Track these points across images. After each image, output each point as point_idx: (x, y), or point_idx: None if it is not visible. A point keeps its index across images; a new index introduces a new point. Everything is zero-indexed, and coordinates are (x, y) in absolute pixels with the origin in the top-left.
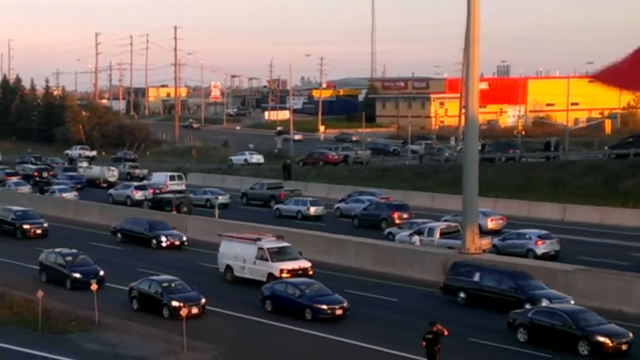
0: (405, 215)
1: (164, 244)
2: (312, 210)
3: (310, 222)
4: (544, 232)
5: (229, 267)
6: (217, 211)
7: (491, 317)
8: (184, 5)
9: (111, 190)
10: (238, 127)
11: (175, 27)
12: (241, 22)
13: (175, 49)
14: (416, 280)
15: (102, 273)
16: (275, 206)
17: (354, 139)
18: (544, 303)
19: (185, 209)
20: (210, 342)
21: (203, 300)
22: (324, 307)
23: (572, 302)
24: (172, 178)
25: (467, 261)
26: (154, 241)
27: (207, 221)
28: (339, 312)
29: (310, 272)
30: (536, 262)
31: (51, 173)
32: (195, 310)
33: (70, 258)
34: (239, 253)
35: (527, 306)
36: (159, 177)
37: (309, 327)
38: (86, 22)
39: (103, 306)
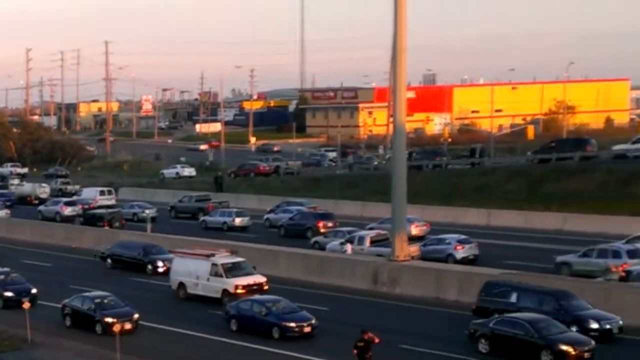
0: (330, 224)
1: (160, 269)
2: (238, 221)
3: (236, 232)
4: (463, 237)
5: (182, 284)
6: (149, 225)
7: None
8: (115, 19)
9: (41, 207)
10: (170, 141)
11: (107, 42)
12: (172, 35)
13: (107, 64)
14: (347, 289)
15: (34, 291)
16: (202, 218)
17: (275, 149)
18: (594, 325)
19: (117, 224)
20: (144, 357)
21: (136, 316)
22: (292, 324)
23: (621, 322)
24: (102, 193)
25: (502, 281)
26: (149, 266)
27: (140, 236)
28: (307, 329)
29: (266, 287)
30: (466, 268)
31: None
32: (128, 326)
33: (1, 277)
34: (192, 269)
35: (574, 329)
36: (89, 193)
37: (276, 346)
38: (17, 37)
39: (36, 324)
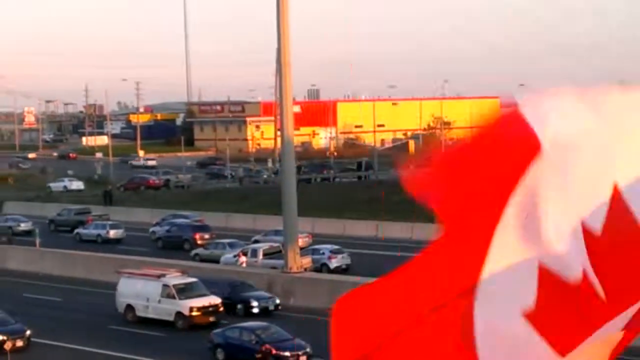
0: (206, 236)
1: (255, 310)
2: (112, 233)
3: (110, 244)
4: (336, 247)
5: (130, 307)
6: (37, 240)
7: None
8: None
9: None
10: (55, 154)
11: None
12: (53, 45)
13: None
14: None
15: None
16: (76, 231)
17: (149, 163)
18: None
19: (4, 238)
20: None
21: (28, 332)
22: (287, 354)
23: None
24: None
25: None
26: (239, 306)
27: (29, 250)
28: (302, 359)
29: (221, 309)
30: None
31: None
32: (20, 343)
33: None
34: (140, 291)
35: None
36: None
37: None
38: None
39: None
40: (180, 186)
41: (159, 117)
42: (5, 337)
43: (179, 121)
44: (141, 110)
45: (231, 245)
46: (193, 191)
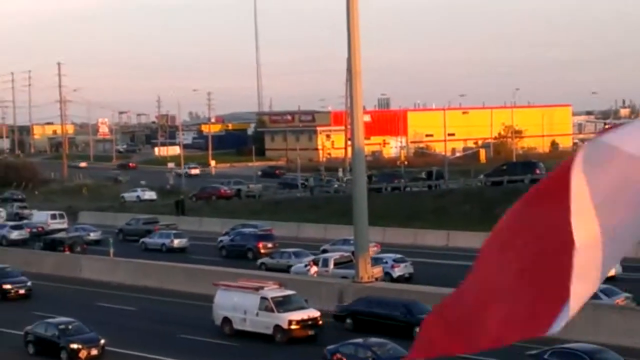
0: (269, 245)
1: None
2: (176, 242)
3: (175, 254)
4: (399, 256)
5: (226, 320)
6: (111, 250)
7: None
8: (67, 41)
9: None
10: (130, 164)
11: (59, 63)
12: (127, 57)
13: (60, 86)
14: None
15: None
16: (141, 240)
17: (192, 172)
18: None
19: (78, 248)
20: None
21: (102, 341)
22: None
23: None
24: (53, 217)
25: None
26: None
27: (102, 260)
28: None
29: (320, 322)
30: (432, 289)
31: None
32: (94, 352)
33: None
34: (238, 303)
35: None
36: (40, 217)
37: None
38: None
39: None
40: (252, 196)
41: (230, 127)
42: (80, 346)
43: (250, 131)
44: (212, 120)
45: (296, 255)
46: (264, 201)
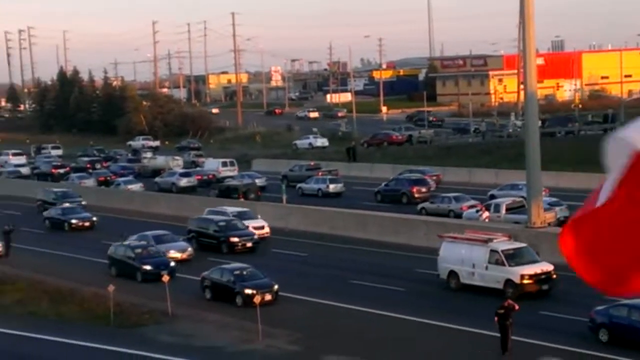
0: (423, 190)
1: None
2: (332, 187)
3: (330, 199)
4: (554, 199)
5: (453, 273)
6: (284, 196)
7: None
8: None
9: (157, 179)
10: (276, 111)
11: (233, 13)
12: (298, 6)
13: (234, 35)
14: None
15: (172, 264)
16: (298, 185)
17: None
18: None
19: (252, 195)
20: (285, 328)
21: (276, 287)
22: None
23: None
24: (224, 164)
25: None
26: None
27: (276, 207)
28: None
29: (554, 276)
30: None
31: (104, 164)
32: (268, 297)
33: (139, 250)
34: (465, 256)
35: None
36: (212, 164)
37: None
38: (142, 10)
39: (175, 297)
40: (423, 141)
41: (401, 72)
42: (254, 291)
43: (421, 76)
44: (384, 66)
45: (457, 199)
46: (435, 146)
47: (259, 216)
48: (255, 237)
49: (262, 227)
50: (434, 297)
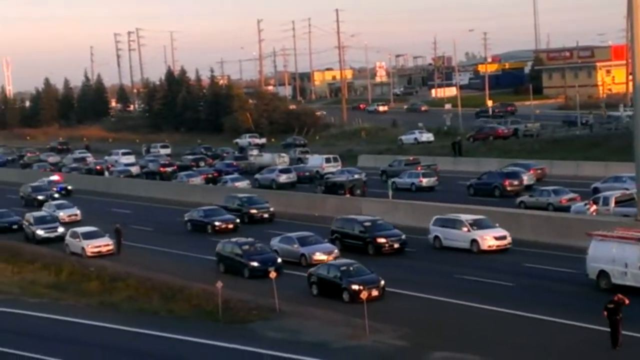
0: (515, 183)
1: None
2: (425, 181)
3: (423, 193)
4: None
5: (603, 273)
6: (390, 192)
7: None
8: None
9: (257, 175)
10: (405, 107)
11: (337, 10)
12: (402, 1)
13: (338, 32)
14: None
15: (279, 260)
16: (392, 180)
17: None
18: None
19: (358, 191)
20: (393, 324)
21: (382, 282)
22: None
23: None
24: (328, 160)
25: None
26: None
27: (382, 202)
28: None
29: None
30: None
31: (208, 162)
32: (375, 293)
33: (247, 247)
34: (617, 256)
35: None
36: (316, 160)
37: None
38: (247, 9)
39: (282, 293)
40: (529, 135)
41: (507, 66)
42: (361, 287)
43: (527, 69)
44: (489, 60)
45: (556, 192)
46: (542, 140)
47: (497, 224)
48: (403, 237)
49: (504, 237)
50: (552, 293)
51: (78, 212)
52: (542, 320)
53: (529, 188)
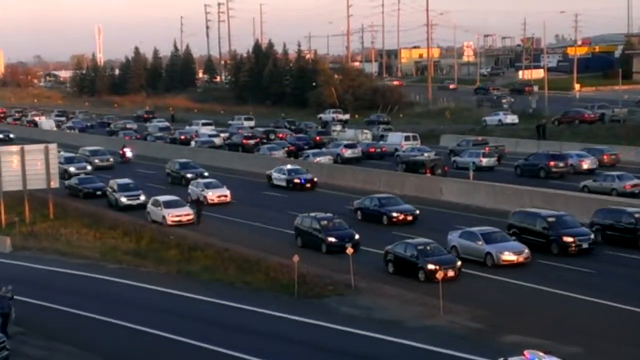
0: (561, 164)
1: None
2: (484, 161)
3: (482, 172)
4: None
5: None
6: (471, 172)
7: None
8: None
9: (323, 149)
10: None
11: None
12: None
13: (427, 9)
14: None
15: (357, 237)
16: (453, 158)
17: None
18: None
19: (439, 171)
20: (468, 305)
21: (459, 263)
22: None
23: None
24: (407, 138)
25: None
26: None
27: (462, 183)
28: None
29: None
30: None
31: (280, 135)
32: (451, 273)
33: (325, 222)
34: None
35: None
36: (395, 138)
37: None
38: None
39: (358, 270)
40: (616, 120)
41: (597, 49)
42: (437, 267)
43: (617, 53)
44: (579, 42)
45: (620, 178)
46: (629, 125)
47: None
48: (591, 237)
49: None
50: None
51: (228, 192)
52: (625, 310)
53: (591, 172)
